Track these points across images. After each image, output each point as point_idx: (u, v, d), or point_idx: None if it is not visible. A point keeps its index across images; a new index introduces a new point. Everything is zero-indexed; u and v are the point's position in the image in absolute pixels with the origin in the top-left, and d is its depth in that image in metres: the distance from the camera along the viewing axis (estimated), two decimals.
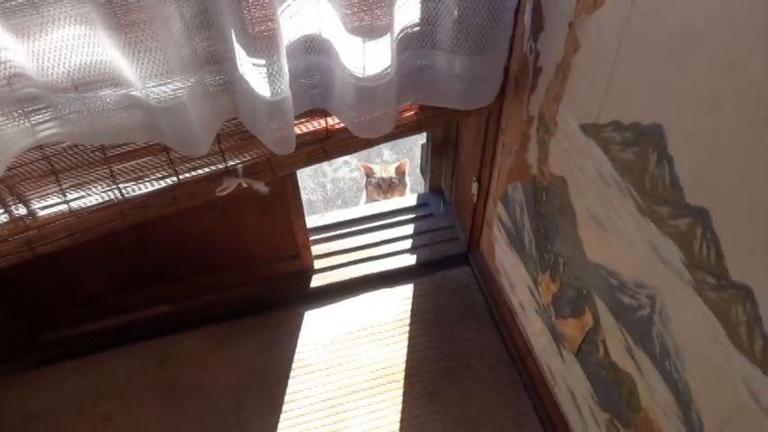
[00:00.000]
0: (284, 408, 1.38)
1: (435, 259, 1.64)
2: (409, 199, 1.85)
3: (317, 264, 1.63)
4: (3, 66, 0.79)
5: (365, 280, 1.60)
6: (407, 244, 1.69)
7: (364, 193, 2.15)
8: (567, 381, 1.18)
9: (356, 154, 2.83)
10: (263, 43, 0.85)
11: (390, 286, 1.60)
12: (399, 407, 1.37)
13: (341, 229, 1.73)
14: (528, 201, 1.17)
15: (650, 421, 0.90)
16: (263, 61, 0.87)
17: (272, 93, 0.91)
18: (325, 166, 2.82)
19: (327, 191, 2.70)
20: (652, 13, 0.71)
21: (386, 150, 2.88)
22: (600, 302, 0.97)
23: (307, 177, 2.76)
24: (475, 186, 1.45)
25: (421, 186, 2.38)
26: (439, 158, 1.72)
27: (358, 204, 2.46)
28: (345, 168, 2.81)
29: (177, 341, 1.50)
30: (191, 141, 0.96)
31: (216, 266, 1.51)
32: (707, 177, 0.67)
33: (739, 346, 0.67)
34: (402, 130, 1.12)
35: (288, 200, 1.41)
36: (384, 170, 2.04)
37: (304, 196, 2.64)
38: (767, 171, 0.59)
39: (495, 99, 1.13)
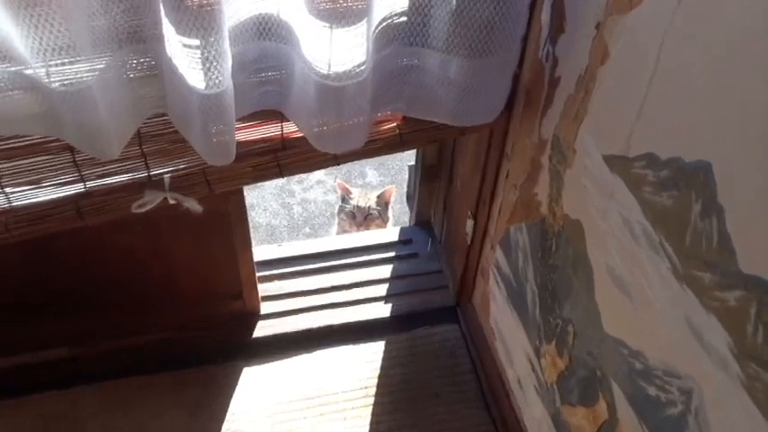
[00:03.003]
0: None
1: (416, 312, 1.66)
2: (390, 233, 1.85)
3: (265, 307, 1.63)
4: None
5: (324, 332, 1.60)
6: (382, 290, 1.69)
7: (336, 221, 2.15)
8: None
9: (334, 172, 2.94)
10: (198, 18, 0.81)
11: (355, 343, 1.59)
12: None
13: (300, 265, 1.73)
14: (534, 247, 1.16)
15: None
16: (196, 41, 0.83)
17: (207, 84, 0.87)
18: (293, 183, 2.85)
19: (294, 215, 2.73)
20: (703, 14, 0.67)
21: (369, 170, 2.90)
22: (618, 390, 0.94)
23: (269, 196, 2.79)
24: (470, 224, 1.43)
25: (407, 217, 2.36)
26: (429, 185, 1.73)
27: (328, 234, 2.48)
28: (318, 189, 2.84)
29: (75, 397, 1.46)
30: (99, 140, 0.92)
31: (132, 302, 1.48)
32: None
33: None
34: (378, 147, 1.11)
35: (231, 223, 1.39)
36: (363, 196, 2.06)
37: (264, 219, 2.68)
38: None
39: (499, 115, 1.13)
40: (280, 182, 2.81)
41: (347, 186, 2.10)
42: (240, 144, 1.02)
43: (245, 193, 1.37)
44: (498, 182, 1.29)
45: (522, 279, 1.23)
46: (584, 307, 0.99)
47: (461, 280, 1.57)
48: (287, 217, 2.71)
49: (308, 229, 2.68)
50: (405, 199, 1.99)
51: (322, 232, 2.66)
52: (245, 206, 1.38)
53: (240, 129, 1.04)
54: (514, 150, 1.20)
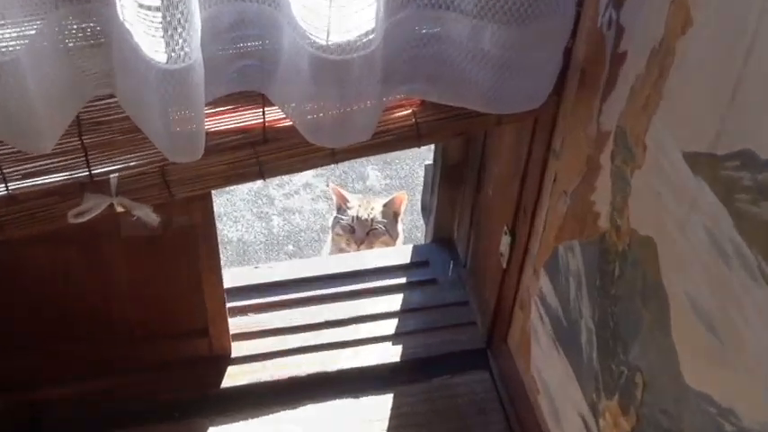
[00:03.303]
0: None
1: (434, 356, 1.66)
2: (400, 253, 1.85)
3: (237, 349, 1.62)
4: None
5: (314, 382, 1.61)
6: (390, 327, 1.69)
7: (329, 237, 2.15)
8: None
9: (325, 173, 2.94)
10: None
11: (355, 396, 1.60)
12: None
13: (282, 294, 1.73)
14: (590, 272, 1.16)
15: None
16: (156, 2, 0.84)
17: (169, 56, 0.88)
18: (272, 187, 2.85)
19: (273, 228, 2.72)
20: None
21: (372, 170, 2.90)
22: None
23: (241, 204, 2.79)
24: (506, 241, 1.44)
25: (421, 233, 2.34)
26: (452, 191, 1.74)
27: (319, 254, 2.48)
28: (305, 194, 2.83)
29: None
30: (27, 127, 0.94)
31: (65, 340, 1.48)
32: None
33: None
34: (388, 140, 1.12)
35: (195, 238, 1.40)
36: (365, 206, 2.06)
37: (234, 233, 2.68)
38: None
39: (546, 100, 1.14)
40: (255, 185, 2.82)
41: (343, 192, 2.10)
42: (210, 135, 1.02)
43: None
44: (543, 187, 1.29)
45: (574, 313, 1.23)
46: (658, 350, 0.99)
47: (494, 314, 1.57)
48: (264, 231, 2.70)
49: (291, 247, 2.67)
50: (419, 209, 1.97)
51: (310, 251, 2.65)
52: (213, 216, 1.38)
53: (210, 115, 1.04)
54: (565, 146, 1.20)
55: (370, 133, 1.06)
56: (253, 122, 1.08)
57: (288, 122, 1.06)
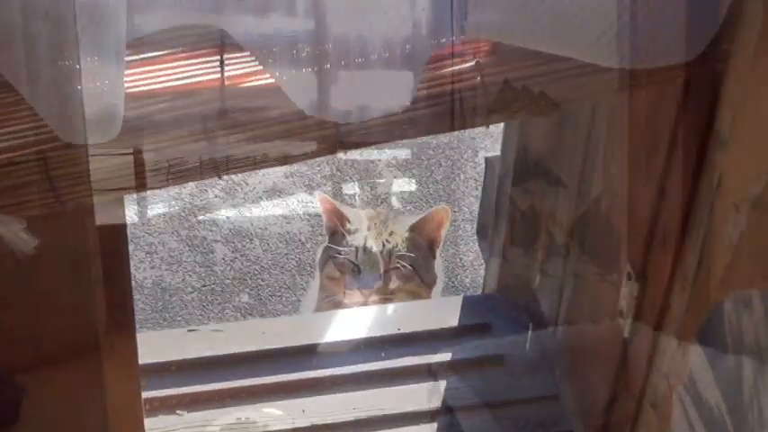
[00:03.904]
0: None
1: None
2: (442, 309, 1.89)
3: None
4: None
5: None
6: None
7: (314, 282, 2.18)
8: None
9: (305, 171, 2.94)
10: None
11: None
12: None
13: (235, 377, 1.75)
14: None
15: None
16: None
17: None
18: (213, 194, 2.92)
19: (216, 265, 2.77)
20: None
21: (388, 166, 2.95)
22: None
23: (160, 222, 2.85)
24: (629, 291, 1.45)
25: (474, 276, 2.36)
26: (528, 204, 1.75)
27: (299, 310, 2.50)
28: (272, 207, 2.89)
29: None
30: None
31: None
32: None
33: None
34: (435, 113, 1.13)
35: (90, 278, 1.41)
36: (377, 227, 2.10)
37: (150, 273, 2.72)
38: None
39: (704, 51, 1.15)
40: (184, 188, 2.82)
41: (339, 207, 2.13)
42: (130, 98, 1.03)
43: None
44: (698, 198, 1.30)
45: (750, 416, 1.23)
46: None
47: (605, 415, 1.58)
48: (201, 269, 2.75)
49: (246, 298, 2.72)
50: (472, 233, 2.01)
51: (279, 305, 2.68)
52: (125, 241, 1.39)
53: (135, 66, 1.06)
54: (738, 127, 1.20)
55: (406, 99, 1.07)
56: (204, 79, 1.09)
57: (264, 79, 1.07)
